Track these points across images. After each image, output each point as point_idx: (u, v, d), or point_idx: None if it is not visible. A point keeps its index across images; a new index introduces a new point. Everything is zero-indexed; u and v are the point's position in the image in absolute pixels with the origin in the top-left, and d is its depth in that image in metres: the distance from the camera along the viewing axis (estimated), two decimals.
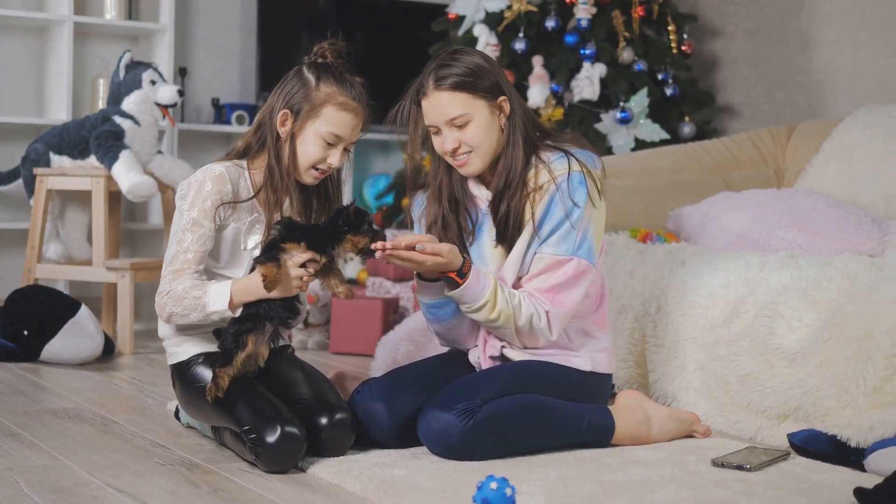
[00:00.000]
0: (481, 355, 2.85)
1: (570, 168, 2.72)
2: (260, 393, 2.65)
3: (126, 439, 2.91)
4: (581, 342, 2.84)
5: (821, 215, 3.64)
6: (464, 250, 2.78)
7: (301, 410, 2.68)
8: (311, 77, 2.73)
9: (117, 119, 4.55)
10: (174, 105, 4.66)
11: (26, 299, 4.14)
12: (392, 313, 4.53)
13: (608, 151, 4.69)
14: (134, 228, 5.29)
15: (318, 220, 2.83)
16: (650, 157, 4.39)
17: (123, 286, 4.38)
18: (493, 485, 2.17)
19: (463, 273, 2.67)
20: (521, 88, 4.80)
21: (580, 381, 2.82)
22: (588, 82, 4.75)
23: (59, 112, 5.03)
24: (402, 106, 2.79)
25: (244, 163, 2.78)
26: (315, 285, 3.16)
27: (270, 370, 2.80)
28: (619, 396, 2.91)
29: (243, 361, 2.66)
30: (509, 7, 4.90)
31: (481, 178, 2.82)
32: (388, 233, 4.23)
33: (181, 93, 4.65)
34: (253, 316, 2.66)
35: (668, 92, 4.89)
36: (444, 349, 3.05)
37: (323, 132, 2.72)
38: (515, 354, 2.80)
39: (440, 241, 2.73)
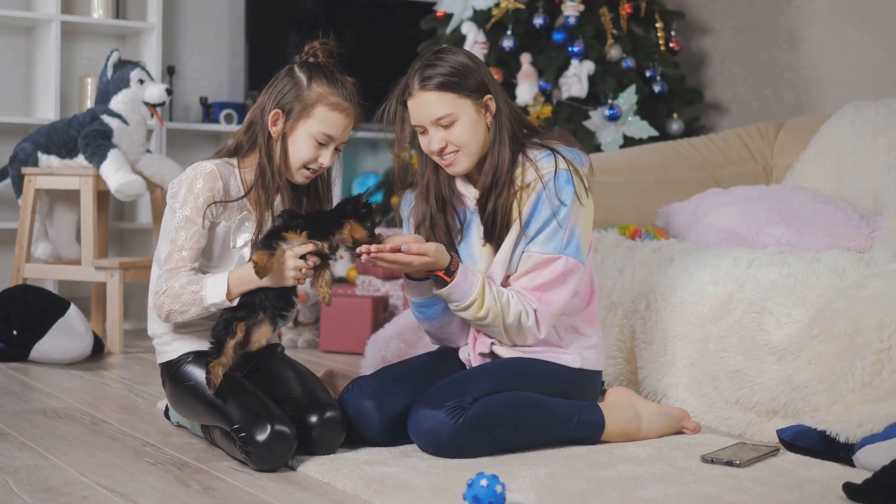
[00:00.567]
0: (471, 352, 2.85)
1: (556, 166, 2.73)
2: (250, 391, 2.65)
3: (116, 438, 2.91)
4: (570, 339, 2.84)
5: (809, 211, 3.65)
6: (452, 249, 2.78)
7: (291, 409, 2.68)
8: (302, 77, 2.73)
9: (105, 118, 4.54)
10: (162, 104, 4.65)
11: (15, 299, 4.13)
12: (382, 311, 4.53)
13: (597, 149, 4.69)
14: (122, 227, 5.28)
15: None
16: (639, 155, 4.39)
17: (112, 285, 4.37)
18: (484, 482, 2.17)
19: (451, 271, 2.67)
20: (510, 86, 4.80)
21: (570, 378, 2.82)
22: (576, 80, 4.75)
23: (46, 111, 5.02)
24: (388, 106, 2.79)
25: (235, 161, 2.78)
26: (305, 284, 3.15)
27: (260, 368, 2.81)
28: (609, 393, 2.92)
29: (234, 349, 2.64)
30: (497, 5, 4.89)
31: (469, 177, 2.82)
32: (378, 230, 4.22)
33: (169, 91, 4.64)
34: (247, 305, 2.66)
35: (657, 89, 4.90)
36: (434, 347, 3.06)
37: (314, 132, 2.72)
38: (505, 352, 2.81)
39: (428, 240, 2.73)
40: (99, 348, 4.26)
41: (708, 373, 3.10)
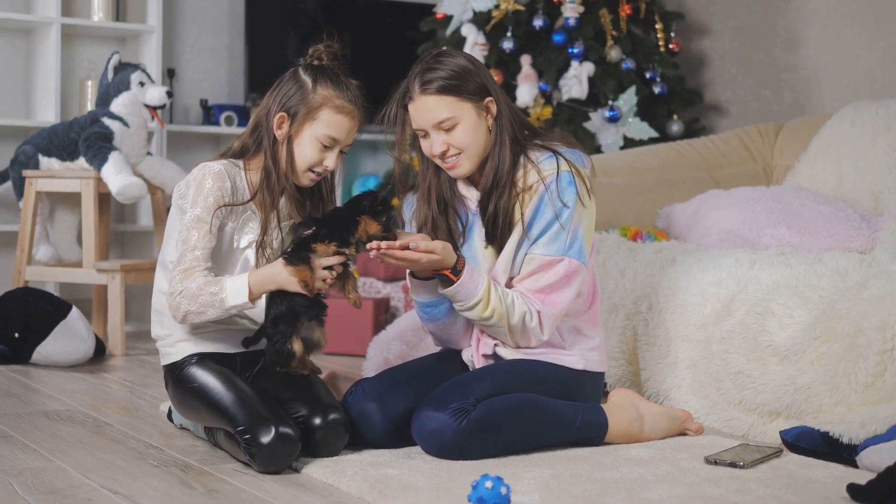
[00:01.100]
0: (474, 354, 2.86)
1: (558, 168, 2.73)
2: (254, 393, 2.65)
3: (119, 441, 2.91)
4: (573, 341, 2.84)
5: (810, 212, 3.65)
6: (455, 251, 2.79)
7: (294, 411, 2.68)
8: (307, 79, 2.74)
9: (106, 121, 4.54)
10: (163, 106, 4.66)
11: (17, 301, 4.13)
12: (383, 313, 4.53)
13: (597, 150, 4.70)
14: (123, 230, 5.29)
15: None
16: (639, 156, 4.40)
17: (114, 288, 4.37)
18: (489, 483, 2.18)
19: (457, 270, 2.67)
20: (510, 88, 4.81)
21: (573, 380, 2.82)
22: (576, 81, 4.76)
23: (46, 114, 5.02)
24: (389, 109, 2.79)
25: (240, 162, 2.78)
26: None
27: (264, 371, 2.81)
28: (612, 395, 2.92)
29: (300, 362, 2.68)
30: (497, 6, 4.90)
31: (470, 179, 2.83)
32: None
33: (170, 94, 4.65)
34: (284, 317, 2.66)
35: (657, 90, 4.91)
36: (437, 349, 3.06)
37: (319, 135, 2.72)
38: (508, 353, 2.81)
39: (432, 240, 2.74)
40: (100, 351, 4.26)
41: (710, 374, 3.10)
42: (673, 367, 3.24)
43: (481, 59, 4.66)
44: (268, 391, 2.72)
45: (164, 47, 5.38)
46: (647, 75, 4.94)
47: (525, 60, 4.82)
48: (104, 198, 4.71)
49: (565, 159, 2.75)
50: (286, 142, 2.73)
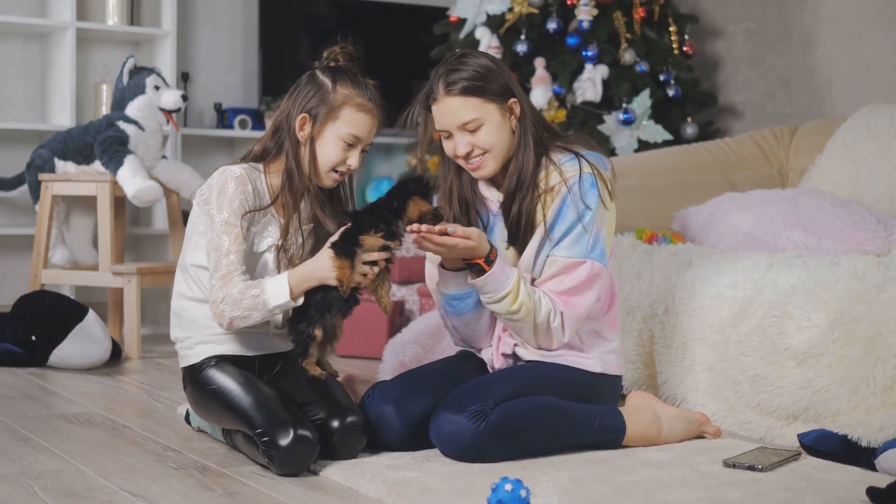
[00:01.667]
0: (494, 353, 2.86)
1: (581, 170, 2.73)
2: (272, 396, 2.66)
3: (137, 443, 2.92)
4: (592, 343, 2.84)
5: (826, 215, 3.65)
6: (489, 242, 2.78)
7: (312, 413, 2.69)
8: (326, 80, 2.75)
9: (121, 124, 4.56)
10: (178, 110, 4.67)
11: (34, 305, 4.15)
12: (398, 316, 4.54)
13: (611, 153, 4.70)
14: (138, 233, 5.30)
15: (331, 224, 2.84)
16: (653, 158, 4.40)
17: (130, 291, 4.39)
18: (508, 486, 2.17)
19: (490, 260, 2.67)
20: (524, 91, 4.80)
21: (591, 383, 2.82)
22: (590, 84, 4.76)
23: (62, 118, 5.03)
24: (412, 111, 2.80)
25: (260, 166, 2.79)
26: None
27: (283, 373, 2.82)
28: (630, 397, 2.92)
29: (318, 347, 2.70)
30: (510, 9, 4.90)
31: (492, 180, 2.83)
32: None
33: (185, 98, 4.66)
34: (315, 305, 2.68)
35: (671, 93, 4.90)
36: (454, 351, 3.06)
37: (342, 134, 2.74)
38: (527, 353, 2.81)
39: None
40: (117, 354, 4.27)
41: (728, 377, 3.10)
42: (690, 370, 3.24)
43: None
44: (286, 394, 2.73)
45: (178, 51, 5.39)
46: (662, 78, 4.94)
47: (539, 63, 4.82)
48: (120, 201, 4.73)
49: (587, 161, 2.75)
50: (308, 143, 2.74)
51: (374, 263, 2.65)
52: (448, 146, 2.77)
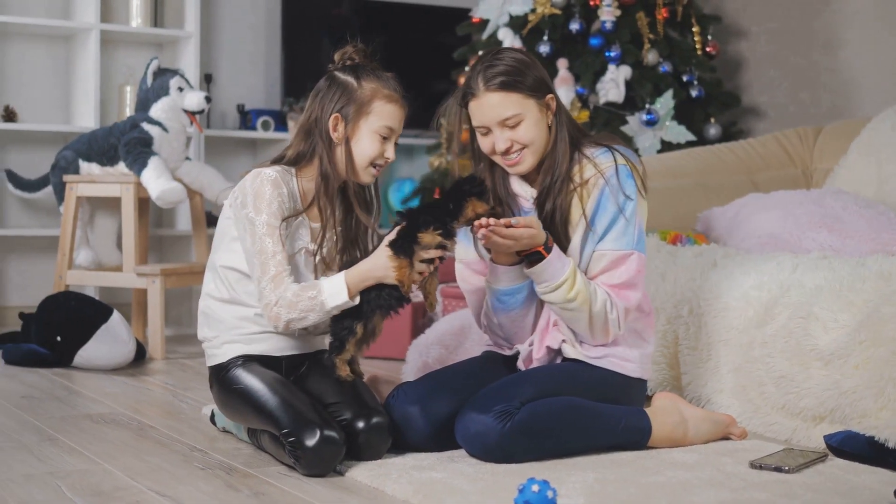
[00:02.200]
0: (537, 344, 2.84)
1: (616, 161, 2.75)
2: (299, 396, 2.66)
3: (163, 444, 2.93)
4: (633, 343, 2.85)
5: (851, 216, 3.63)
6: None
7: (337, 414, 2.69)
8: (350, 79, 2.77)
9: (145, 126, 4.57)
10: (202, 111, 4.68)
11: (59, 306, 4.17)
12: (421, 317, 4.54)
13: (634, 154, 4.69)
14: (162, 234, 5.32)
15: (359, 225, 2.85)
16: (677, 159, 4.39)
17: (154, 292, 4.40)
18: (535, 487, 2.17)
19: (548, 247, 2.68)
20: None
21: (617, 384, 2.82)
22: (613, 84, 4.75)
23: (86, 119, 5.06)
24: (448, 107, 2.82)
25: (293, 170, 2.80)
26: None
27: (309, 374, 2.83)
28: (655, 398, 2.91)
29: (356, 345, 2.72)
30: (533, 10, 4.90)
31: (524, 176, 2.84)
32: None
33: (208, 99, 4.67)
34: (364, 302, 2.69)
35: (694, 93, 4.89)
36: (477, 353, 3.06)
37: (376, 127, 2.76)
38: (572, 351, 2.80)
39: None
40: (141, 354, 4.29)
41: (753, 378, 3.09)
42: (714, 371, 3.23)
43: None
44: (312, 394, 2.74)
45: (201, 53, 5.42)
46: (685, 78, 4.93)
47: (562, 64, 4.82)
48: (144, 202, 4.75)
49: (621, 154, 2.77)
50: (343, 143, 2.76)
51: (429, 262, 2.66)
52: (485, 142, 2.77)
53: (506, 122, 2.71)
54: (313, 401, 2.68)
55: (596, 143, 2.82)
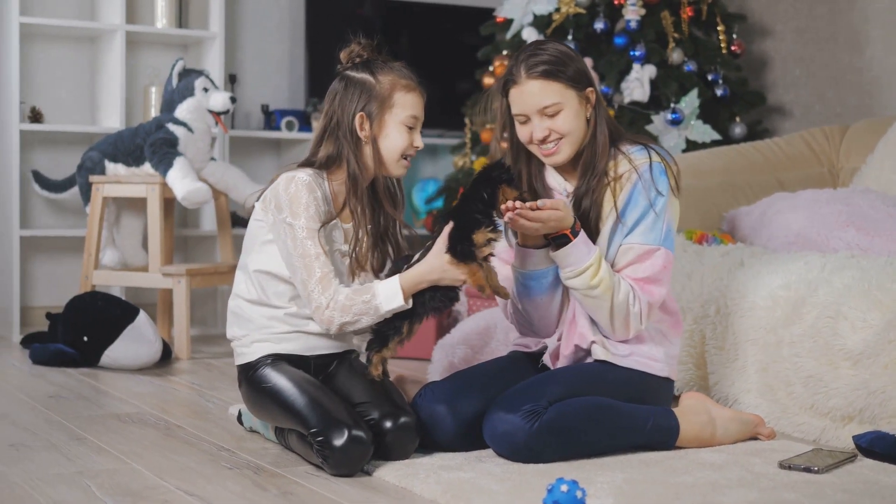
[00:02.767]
0: (564, 340, 2.84)
1: (650, 158, 2.77)
2: (327, 395, 2.67)
3: (191, 443, 2.93)
4: (659, 342, 2.84)
5: (879, 214, 3.61)
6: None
7: (365, 414, 2.70)
8: (365, 76, 2.77)
9: (171, 126, 4.59)
10: (227, 112, 4.69)
11: (85, 306, 4.19)
12: (446, 317, 4.54)
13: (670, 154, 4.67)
14: (187, 234, 5.34)
15: (388, 220, 2.86)
16: (702, 158, 4.37)
17: (180, 292, 4.41)
18: (564, 487, 2.16)
19: (575, 231, 2.69)
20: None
21: (644, 384, 2.81)
22: (638, 84, 4.74)
23: (111, 120, 5.08)
24: (489, 95, 2.84)
25: (324, 174, 2.80)
26: None
27: (337, 374, 2.83)
28: (683, 398, 2.91)
29: (397, 344, 2.73)
30: (557, 10, 4.89)
31: (559, 169, 2.85)
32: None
33: (233, 100, 4.68)
34: (422, 305, 2.71)
35: (719, 92, 4.87)
36: (503, 353, 3.06)
37: (402, 118, 2.78)
38: (601, 351, 2.79)
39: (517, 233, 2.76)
40: (167, 354, 4.30)
41: (781, 378, 3.08)
42: (742, 371, 3.22)
43: None
44: (340, 394, 2.74)
45: (226, 53, 5.43)
46: (710, 77, 4.91)
47: (586, 63, 4.80)
48: (169, 203, 4.76)
49: (656, 152, 2.79)
50: (371, 141, 2.76)
51: (487, 258, 2.67)
52: (523, 131, 2.79)
53: (545, 111, 2.73)
54: (342, 400, 2.68)
55: (633, 140, 2.83)
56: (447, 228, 2.68)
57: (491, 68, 5.04)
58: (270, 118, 5.54)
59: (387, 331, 2.73)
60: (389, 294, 2.68)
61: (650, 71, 4.75)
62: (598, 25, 4.83)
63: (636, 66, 4.74)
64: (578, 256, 2.69)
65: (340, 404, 2.65)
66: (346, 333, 2.81)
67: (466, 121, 5.16)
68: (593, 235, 2.77)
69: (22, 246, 5.00)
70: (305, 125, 5.53)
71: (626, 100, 4.76)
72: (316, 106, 5.47)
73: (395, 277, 2.69)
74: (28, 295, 5.12)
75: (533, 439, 2.61)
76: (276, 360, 2.77)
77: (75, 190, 4.85)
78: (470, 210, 2.66)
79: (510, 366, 2.92)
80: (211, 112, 4.67)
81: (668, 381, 2.88)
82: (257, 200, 2.82)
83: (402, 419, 2.68)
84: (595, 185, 2.77)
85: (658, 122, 4.71)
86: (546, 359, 2.88)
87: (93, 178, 4.64)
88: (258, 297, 2.80)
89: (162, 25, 5.20)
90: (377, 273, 2.87)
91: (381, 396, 2.74)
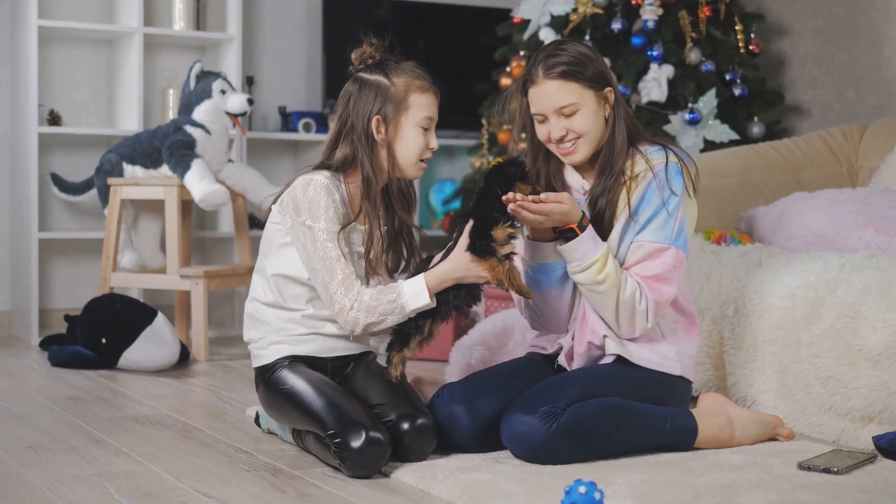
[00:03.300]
0: (577, 336, 2.83)
1: (667, 158, 2.77)
2: (344, 397, 2.67)
3: (209, 445, 2.94)
4: (673, 340, 2.83)
5: None
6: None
7: (382, 415, 2.69)
8: (379, 78, 2.77)
9: (188, 128, 4.60)
10: (244, 114, 4.70)
11: (104, 308, 4.20)
12: (463, 318, 4.53)
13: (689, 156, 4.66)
14: (204, 236, 5.34)
15: (399, 221, 2.86)
16: (720, 158, 4.36)
17: (197, 293, 4.42)
18: (582, 489, 2.16)
19: (582, 226, 2.69)
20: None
21: (662, 384, 2.81)
22: (656, 84, 4.72)
23: (129, 122, 5.09)
24: (507, 95, 2.86)
25: (340, 176, 2.80)
26: None
27: (353, 375, 2.83)
28: (702, 399, 2.89)
29: (419, 344, 2.73)
30: (575, 10, 4.88)
31: (578, 168, 2.86)
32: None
33: (251, 101, 4.69)
34: (446, 304, 2.72)
35: (737, 92, 4.86)
36: (520, 354, 3.05)
37: (418, 120, 2.77)
38: (615, 346, 2.78)
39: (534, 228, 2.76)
40: (185, 356, 4.31)
41: (800, 379, 3.06)
42: (760, 371, 3.20)
43: None
44: (357, 395, 2.74)
45: (243, 55, 5.44)
46: (727, 77, 4.89)
47: (606, 63, 4.79)
48: (187, 205, 4.77)
49: (674, 153, 2.78)
50: (387, 143, 2.76)
51: (507, 255, 2.67)
52: (542, 130, 2.80)
53: (562, 111, 2.74)
54: (359, 402, 2.68)
55: (652, 141, 2.84)
56: (468, 226, 2.68)
57: (508, 69, 5.04)
58: (288, 120, 5.54)
59: (408, 330, 2.73)
60: (415, 292, 2.68)
61: (668, 71, 4.73)
62: (616, 25, 4.82)
63: (654, 66, 4.73)
64: (585, 251, 2.69)
65: (358, 406, 2.65)
66: (363, 335, 2.81)
67: (483, 122, 5.16)
68: (607, 234, 2.77)
69: (41, 248, 5.02)
70: (323, 127, 5.53)
71: (644, 100, 4.74)
72: (332, 108, 5.47)
73: (420, 276, 2.69)
74: (46, 297, 5.14)
75: (550, 441, 2.60)
76: (294, 361, 2.77)
77: (93, 192, 4.87)
78: (488, 207, 2.66)
79: (527, 367, 2.92)
80: (228, 114, 4.68)
81: (684, 382, 2.87)
82: (274, 203, 2.81)
83: (420, 420, 2.68)
84: (612, 184, 2.78)
85: (676, 123, 4.70)
86: (561, 359, 2.87)
87: (111, 181, 4.66)
88: (275, 299, 2.80)
89: (179, 28, 5.21)
90: (391, 273, 2.87)
91: (399, 398, 2.73)
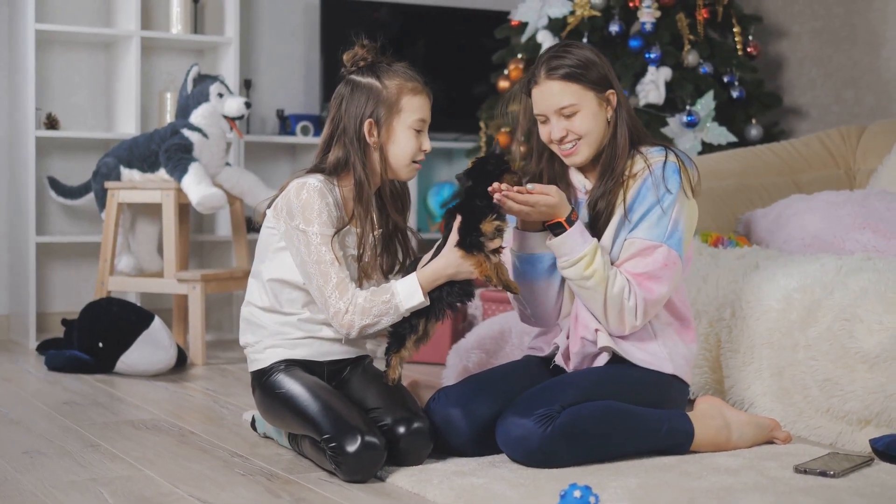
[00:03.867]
0: (572, 334, 2.83)
1: (666, 158, 2.77)
2: (340, 401, 2.66)
3: (204, 450, 2.93)
4: (667, 342, 2.83)
5: None
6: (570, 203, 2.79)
7: (378, 419, 2.69)
8: (371, 80, 2.77)
9: (186, 132, 4.59)
10: (241, 117, 4.70)
11: (100, 311, 4.19)
12: (461, 321, 4.53)
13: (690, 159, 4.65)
14: (202, 240, 5.34)
15: (394, 223, 2.85)
16: (718, 161, 4.36)
17: (195, 297, 4.42)
18: (577, 493, 2.16)
19: (570, 220, 2.70)
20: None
21: (660, 387, 2.80)
22: (653, 86, 4.72)
23: (127, 126, 5.09)
24: (510, 96, 2.86)
25: (334, 179, 2.80)
26: None
27: (350, 379, 2.82)
28: (698, 402, 2.89)
29: (415, 344, 2.73)
30: (572, 13, 4.88)
31: (582, 169, 2.87)
32: None
33: (248, 105, 4.69)
34: (439, 303, 2.72)
35: (735, 94, 4.86)
36: (517, 357, 3.04)
37: (410, 122, 2.77)
38: (606, 338, 2.78)
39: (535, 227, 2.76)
40: (182, 360, 4.30)
41: (797, 381, 3.06)
42: (757, 374, 3.20)
43: None
44: (353, 399, 2.73)
45: (241, 59, 5.43)
46: (725, 79, 4.89)
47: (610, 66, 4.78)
48: (184, 208, 4.77)
49: (675, 153, 2.79)
50: (379, 147, 2.75)
51: (497, 249, 2.67)
52: (544, 131, 2.82)
53: (562, 111, 2.76)
54: (355, 406, 2.68)
55: (655, 143, 2.84)
56: (456, 223, 2.68)
57: (506, 72, 5.03)
58: (285, 123, 5.54)
59: (403, 331, 2.73)
60: (409, 292, 2.67)
61: (665, 73, 4.73)
62: (613, 28, 4.82)
63: (651, 69, 4.73)
64: (573, 245, 2.69)
65: (354, 410, 2.65)
66: (359, 339, 2.80)
67: (481, 124, 5.15)
68: (601, 233, 2.77)
69: (38, 252, 5.01)
70: (321, 130, 5.52)
71: (642, 102, 4.74)
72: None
73: (413, 275, 2.69)
74: (44, 301, 5.13)
75: (546, 444, 2.60)
76: (290, 365, 2.77)
77: (91, 196, 4.86)
78: (472, 204, 2.66)
79: (524, 369, 2.92)
80: (226, 117, 4.68)
81: (681, 384, 2.86)
82: (268, 208, 2.81)
83: (416, 424, 2.68)
84: (612, 186, 2.79)
85: (674, 125, 4.70)
86: (558, 359, 2.87)
87: (108, 184, 4.65)
88: (271, 304, 2.79)
89: (177, 31, 5.21)
90: (386, 275, 2.87)
91: (395, 402, 2.73)
